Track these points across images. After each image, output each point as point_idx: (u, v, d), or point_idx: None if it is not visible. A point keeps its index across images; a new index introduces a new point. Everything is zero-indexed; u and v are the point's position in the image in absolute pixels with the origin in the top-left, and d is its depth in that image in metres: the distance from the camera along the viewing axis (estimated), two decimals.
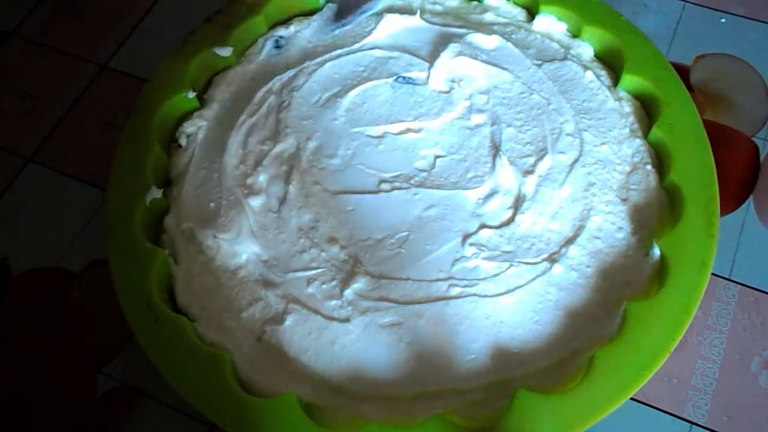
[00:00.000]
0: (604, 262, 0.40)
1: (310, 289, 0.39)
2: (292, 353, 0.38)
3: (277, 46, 0.50)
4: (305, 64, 0.48)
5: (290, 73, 0.47)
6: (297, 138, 0.44)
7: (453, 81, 0.47)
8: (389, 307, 0.38)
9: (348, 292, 0.39)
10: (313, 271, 0.40)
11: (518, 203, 0.42)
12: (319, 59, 0.48)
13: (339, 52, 0.48)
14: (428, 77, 0.47)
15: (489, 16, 0.50)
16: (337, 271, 0.40)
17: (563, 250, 0.40)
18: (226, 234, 0.41)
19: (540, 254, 0.40)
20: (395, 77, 0.47)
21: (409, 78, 0.47)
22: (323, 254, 0.40)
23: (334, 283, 0.39)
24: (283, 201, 0.42)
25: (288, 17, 0.51)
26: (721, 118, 0.50)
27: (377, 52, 0.48)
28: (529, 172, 0.43)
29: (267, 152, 0.44)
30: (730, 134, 0.49)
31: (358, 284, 0.39)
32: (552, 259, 0.40)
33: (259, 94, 0.47)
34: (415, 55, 0.48)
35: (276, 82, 0.47)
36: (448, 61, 0.46)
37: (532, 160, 0.43)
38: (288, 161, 0.44)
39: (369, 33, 0.49)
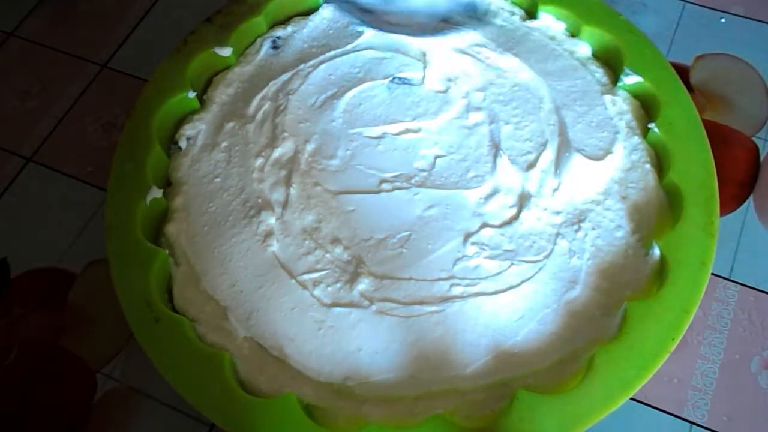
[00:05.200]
0: (604, 262, 0.40)
1: (316, 291, 0.39)
2: (293, 353, 0.38)
3: (275, 47, 0.49)
4: (300, 67, 0.48)
5: (285, 76, 0.47)
6: (295, 141, 0.44)
7: (449, 80, 0.47)
8: (392, 307, 0.38)
9: (352, 294, 0.39)
10: (318, 273, 0.40)
11: (520, 202, 0.42)
12: (313, 61, 0.48)
13: (333, 53, 0.48)
14: (424, 77, 0.47)
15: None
16: (341, 272, 0.40)
17: (564, 249, 0.40)
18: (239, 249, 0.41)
19: (541, 252, 0.40)
20: (391, 78, 0.47)
21: (405, 78, 0.47)
22: (327, 255, 0.40)
23: (338, 285, 0.39)
24: (285, 205, 0.42)
25: (288, 17, 0.51)
26: (721, 118, 0.50)
27: (370, 53, 0.48)
28: (530, 167, 0.43)
29: (266, 160, 0.44)
30: (730, 134, 0.49)
31: (362, 285, 0.39)
32: (552, 257, 0.40)
33: (255, 100, 0.46)
34: (408, 55, 0.48)
35: (271, 87, 0.47)
36: (442, 59, 0.46)
37: (532, 157, 0.43)
38: (287, 165, 0.44)
39: (361, 33, 0.49)
